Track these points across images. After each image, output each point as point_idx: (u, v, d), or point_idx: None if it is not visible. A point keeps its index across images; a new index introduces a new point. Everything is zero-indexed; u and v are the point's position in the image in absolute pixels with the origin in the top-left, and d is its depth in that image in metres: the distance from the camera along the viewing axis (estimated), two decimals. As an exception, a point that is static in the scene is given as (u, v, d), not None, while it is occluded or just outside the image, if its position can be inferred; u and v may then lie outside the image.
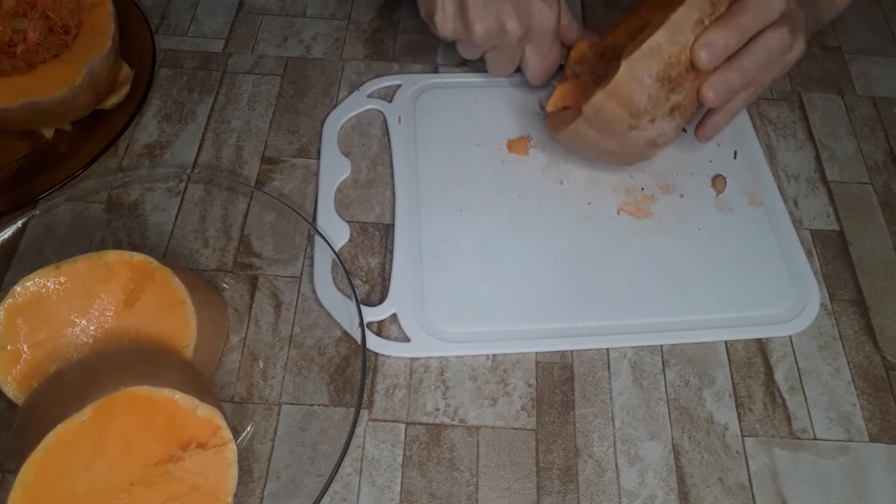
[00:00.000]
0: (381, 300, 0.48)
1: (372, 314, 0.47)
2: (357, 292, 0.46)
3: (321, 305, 0.47)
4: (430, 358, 0.46)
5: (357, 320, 0.44)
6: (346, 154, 0.54)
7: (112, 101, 0.54)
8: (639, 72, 0.43)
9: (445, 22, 0.50)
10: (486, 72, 0.56)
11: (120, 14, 0.53)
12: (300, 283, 0.48)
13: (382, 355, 0.46)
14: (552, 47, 0.53)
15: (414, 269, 0.49)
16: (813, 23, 0.49)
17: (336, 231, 0.50)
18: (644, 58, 0.42)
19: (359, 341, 0.44)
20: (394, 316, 0.47)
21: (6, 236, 0.47)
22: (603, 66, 0.51)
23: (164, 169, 0.53)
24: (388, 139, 0.55)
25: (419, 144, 0.55)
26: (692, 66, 0.43)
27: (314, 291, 0.47)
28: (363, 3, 0.65)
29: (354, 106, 0.57)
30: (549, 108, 0.53)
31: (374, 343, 0.46)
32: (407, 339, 0.46)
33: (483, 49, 0.53)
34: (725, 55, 0.43)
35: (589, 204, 0.52)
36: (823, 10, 0.53)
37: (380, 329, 0.47)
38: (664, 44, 0.42)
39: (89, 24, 0.52)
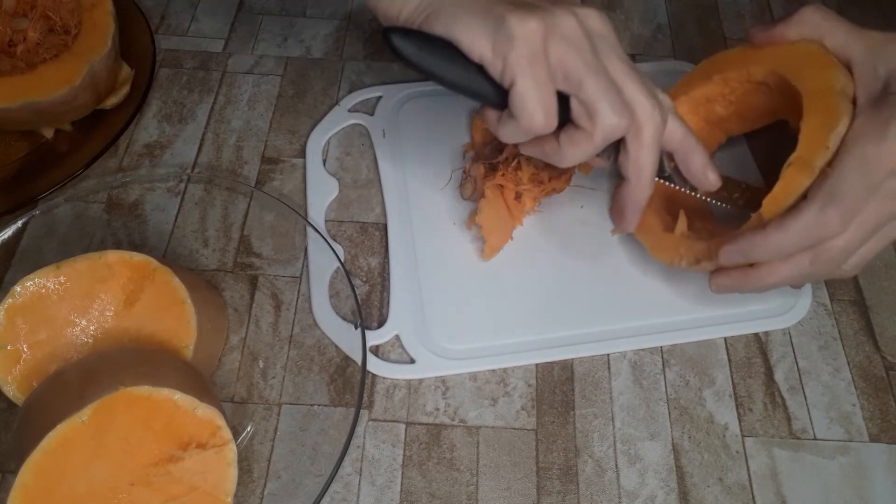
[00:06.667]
0: (381, 307, 0.48)
1: (374, 337, 0.46)
2: (357, 292, 0.46)
3: (318, 325, 0.47)
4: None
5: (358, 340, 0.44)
6: (333, 173, 0.53)
7: (112, 101, 0.54)
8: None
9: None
10: None
11: (120, 14, 0.53)
12: (300, 284, 0.48)
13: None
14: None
15: (412, 288, 0.48)
16: None
17: (328, 252, 0.48)
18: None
19: (359, 352, 0.44)
20: (396, 338, 0.46)
21: (6, 236, 0.47)
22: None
23: (164, 169, 0.53)
24: (374, 153, 0.54)
25: (406, 157, 0.54)
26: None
27: (309, 300, 0.47)
28: (363, 3, 0.65)
29: (336, 122, 0.56)
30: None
31: (378, 367, 0.45)
32: (411, 361, 0.45)
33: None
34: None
35: (581, 207, 0.52)
36: None
37: (384, 352, 0.46)
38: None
39: (89, 24, 0.52)
